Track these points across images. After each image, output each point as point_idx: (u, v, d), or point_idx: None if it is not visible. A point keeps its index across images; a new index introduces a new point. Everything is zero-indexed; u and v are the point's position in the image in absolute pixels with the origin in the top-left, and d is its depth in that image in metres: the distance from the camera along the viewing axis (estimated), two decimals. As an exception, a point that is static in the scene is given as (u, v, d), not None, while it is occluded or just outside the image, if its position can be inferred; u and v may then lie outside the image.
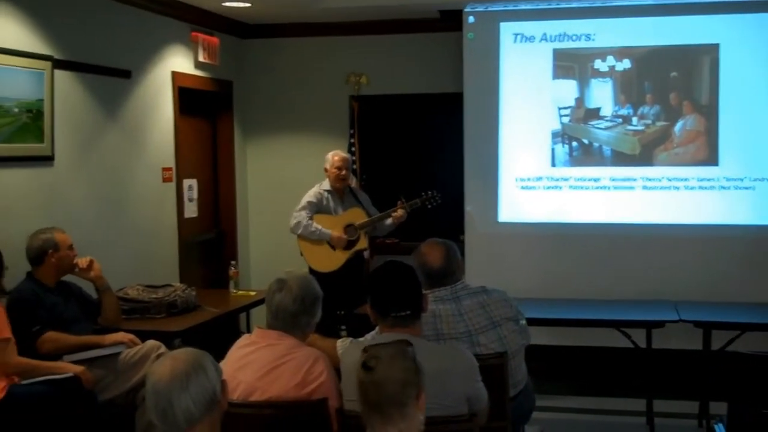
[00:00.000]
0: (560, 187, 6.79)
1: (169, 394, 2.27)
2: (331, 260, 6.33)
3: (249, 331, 6.01)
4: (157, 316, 5.27)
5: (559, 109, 6.79)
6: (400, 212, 6.32)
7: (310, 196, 6.43)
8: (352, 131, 7.57)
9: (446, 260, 3.59)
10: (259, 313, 5.79)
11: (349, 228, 6.37)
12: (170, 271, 6.66)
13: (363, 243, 6.41)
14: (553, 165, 6.82)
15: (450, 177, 7.13)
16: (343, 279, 6.25)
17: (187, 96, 7.02)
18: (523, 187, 6.85)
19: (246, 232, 8.05)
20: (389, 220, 6.39)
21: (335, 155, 6.43)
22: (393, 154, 7.78)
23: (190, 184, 7.11)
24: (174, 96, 6.75)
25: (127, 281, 5.58)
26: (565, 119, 6.80)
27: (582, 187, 6.76)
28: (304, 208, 6.37)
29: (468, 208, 6.89)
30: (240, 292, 6.18)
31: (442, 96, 7.50)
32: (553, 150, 6.82)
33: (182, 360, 2.33)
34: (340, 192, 6.47)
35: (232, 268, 6.32)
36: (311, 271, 6.30)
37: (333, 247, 6.34)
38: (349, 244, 6.36)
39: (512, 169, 6.88)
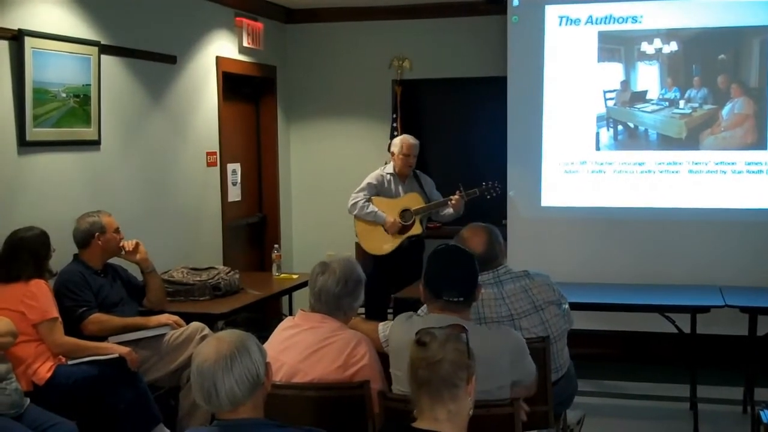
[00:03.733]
0: (604, 171, 6.69)
1: (213, 376, 2.30)
2: (384, 243, 6.39)
3: (291, 314, 6.06)
4: (201, 299, 5.31)
5: (605, 92, 6.71)
6: (457, 200, 6.32)
7: (371, 177, 6.51)
8: (394, 115, 7.57)
9: (489, 245, 3.59)
10: (301, 296, 5.87)
11: (405, 213, 6.41)
12: (214, 254, 6.69)
13: (417, 228, 6.40)
14: (598, 149, 6.73)
15: (492, 161, 7.08)
16: (398, 263, 6.31)
17: (231, 81, 7.03)
18: (566, 171, 6.77)
19: (289, 216, 8.08)
20: (448, 209, 6.40)
21: (404, 141, 6.46)
22: (435, 138, 7.70)
23: (234, 169, 7.13)
24: (218, 81, 6.76)
25: (172, 264, 5.64)
26: (611, 103, 6.70)
27: (626, 171, 6.65)
28: (362, 189, 6.45)
29: (511, 192, 6.82)
30: (282, 275, 6.21)
31: (485, 80, 7.43)
32: (597, 134, 6.74)
33: (227, 342, 2.36)
34: (404, 176, 6.51)
35: (275, 251, 6.35)
36: (364, 253, 6.47)
37: (386, 230, 6.38)
38: (403, 229, 6.39)
39: (556, 153, 6.80)
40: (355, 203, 6.40)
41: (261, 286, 5.72)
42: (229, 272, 5.56)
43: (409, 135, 6.59)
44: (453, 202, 6.34)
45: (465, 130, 7.73)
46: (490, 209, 6.61)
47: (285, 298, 6.64)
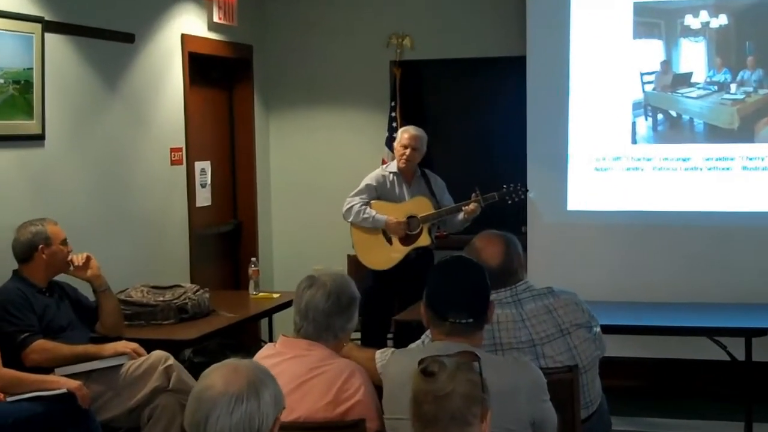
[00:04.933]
0: (642, 169, 6.72)
1: (209, 410, 2.29)
2: (386, 256, 6.41)
3: (272, 340, 6.09)
4: (165, 323, 5.31)
5: (642, 75, 6.73)
6: (472, 206, 6.30)
7: (370, 178, 6.52)
8: (393, 103, 7.53)
9: (505, 257, 3.58)
10: (283, 319, 5.81)
11: (411, 220, 6.40)
12: (180, 270, 6.67)
13: (425, 239, 6.39)
14: (634, 142, 6.75)
15: (510, 157, 7.10)
16: (402, 279, 6.32)
17: (199, 63, 7.04)
18: (597, 169, 6.80)
19: (268, 223, 8.04)
20: (460, 215, 6.39)
21: (405, 131, 6.48)
22: (441, 130, 7.59)
23: (203, 167, 7.12)
24: (184, 63, 6.74)
25: (130, 281, 5.61)
26: (649, 87, 6.73)
27: (668, 169, 6.68)
28: (360, 192, 6.46)
29: (531, 193, 6.76)
30: (261, 294, 6.21)
31: (500, 60, 7.42)
32: (633, 124, 6.75)
33: (242, 377, 2.33)
34: (408, 175, 6.51)
35: (252, 266, 6.32)
36: (362, 267, 6.50)
37: (389, 240, 6.40)
38: (408, 239, 6.40)
39: (584, 148, 6.83)
40: (351, 208, 6.40)
41: (236, 308, 5.74)
42: (198, 291, 5.57)
43: (413, 126, 6.61)
44: (468, 208, 6.31)
45: (476, 121, 7.69)
46: (507, 214, 6.64)
47: (264, 322, 6.68)
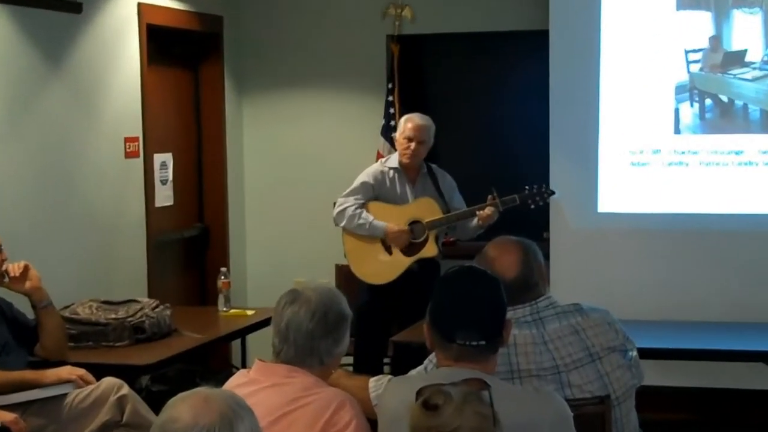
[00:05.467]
0: (686, 164, 6.70)
1: None
2: (384, 268, 6.42)
3: (245, 365, 6.08)
4: (117, 345, 5.30)
5: (687, 53, 6.70)
6: (488, 211, 6.31)
7: (366, 175, 6.53)
8: (390, 85, 7.54)
9: (524, 267, 3.57)
10: (259, 341, 5.97)
11: (415, 225, 6.43)
12: (135, 282, 6.70)
13: (431, 249, 6.43)
14: (677, 132, 6.73)
15: (529, 150, 7.13)
16: (403, 294, 6.35)
17: (159, 37, 7.07)
18: (633, 164, 6.77)
19: (241, 227, 8.07)
20: (474, 221, 6.42)
21: (408, 120, 6.48)
22: (448, 118, 7.45)
23: (164, 161, 7.17)
24: (141, 38, 6.76)
25: (77, 296, 5.62)
26: (695, 67, 6.70)
27: (717, 164, 6.66)
28: (354, 191, 6.47)
29: (556, 193, 6.71)
30: (233, 311, 6.23)
31: (518, 36, 7.44)
32: (677, 111, 6.72)
33: (213, 407, 2.32)
34: (412, 173, 6.54)
35: (222, 277, 6.34)
36: (354, 279, 6.55)
37: (388, 249, 6.43)
38: (412, 249, 6.41)
39: (618, 139, 6.81)
40: (344, 210, 6.40)
41: (202, 327, 5.76)
42: (157, 307, 5.57)
43: (417, 113, 6.59)
44: (483, 213, 6.34)
45: (489, 108, 7.72)
46: (526, 218, 6.64)
47: (236, 344, 6.69)
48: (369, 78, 7.77)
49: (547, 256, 5.97)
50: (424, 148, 6.43)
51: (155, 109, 7.01)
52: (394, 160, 6.53)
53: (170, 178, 7.24)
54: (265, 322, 5.50)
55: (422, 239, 6.39)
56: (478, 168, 7.26)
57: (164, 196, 7.18)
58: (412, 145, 6.36)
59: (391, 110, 7.42)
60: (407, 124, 6.43)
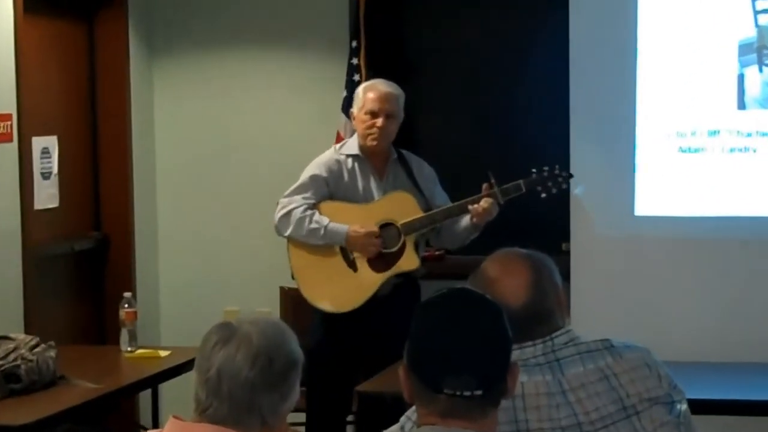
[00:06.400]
0: (754, 149, 6.79)
1: None
2: (347, 290, 6.44)
3: (156, 425, 6.07)
4: (-18, 398, 5.07)
5: (754, 1, 6.76)
6: (485, 204, 6.28)
7: (316, 166, 6.51)
8: (355, 44, 7.58)
9: (535, 291, 3.50)
10: (176, 392, 5.85)
11: (386, 230, 6.42)
12: (7, 312, 6.70)
13: (410, 259, 6.42)
14: (742, 107, 6.81)
15: (541, 132, 7.25)
16: (371, 325, 6.35)
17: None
18: (682, 150, 6.85)
19: (152, 238, 8.09)
20: (464, 220, 6.37)
21: (370, 88, 6.45)
22: (434, 90, 7.72)
23: (46, 147, 7.21)
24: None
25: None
26: (765, 19, 6.76)
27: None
28: (301, 188, 6.46)
29: (577, 190, 6.91)
30: (140, 351, 6.28)
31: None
32: (741, 78, 6.77)
33: None
34: (378, 160, 6.53)
35: (126, 305, 6.33)
36: (305, 307, 6.53)
37: (351, 264, 6.42)
38: (383, 261, 6.42)
39: (661, 117, 6.86)
40: (289, 213, 6.35)
41: (98, 373, 5.78)
42: (37, 346, 5.62)
43: (381, 79, 6.51)
44: (478, 206, 6.27)
45: (489, 77, 7.78)
46: (538, 222, 6.61)
47: (144, 396, 6.71)
48: (326, 34, 7.81)
49: (566, 276, 6.00)
50: (395, 124, 6.40)
51: (34, 75, 6.97)
52: (352, 145, 6.50)
53: (55, 170, 7.27)
54: (185, 367, 5.66)
55: (397, 247, 6.37)
56: (473, 157, 7.08)
57: (47, 195, 7.21)
58: (378, 121, 6.32)
59: (356, 77, 7.39)
60: (368, 94, 6.36)
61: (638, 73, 6.75)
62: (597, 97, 6.78)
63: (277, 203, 6.31)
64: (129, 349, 6.25)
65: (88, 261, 7.71)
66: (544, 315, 3.55)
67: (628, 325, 5.09)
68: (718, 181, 6.71)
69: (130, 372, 6.02)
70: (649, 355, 3.59)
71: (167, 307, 8.02)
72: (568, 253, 6.72)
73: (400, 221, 6.29)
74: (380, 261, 6.31)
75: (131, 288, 7.40)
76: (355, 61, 7.50)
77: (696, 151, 6.73)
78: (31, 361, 5.51)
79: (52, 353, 5.60)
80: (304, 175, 6.37)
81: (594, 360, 3.52)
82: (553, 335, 3.53)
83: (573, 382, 3.48)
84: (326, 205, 6.33)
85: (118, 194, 7.84)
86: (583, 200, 6.80)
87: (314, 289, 6.36)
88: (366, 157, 6.36)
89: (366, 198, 6.39)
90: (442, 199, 6.44)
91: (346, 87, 7.37)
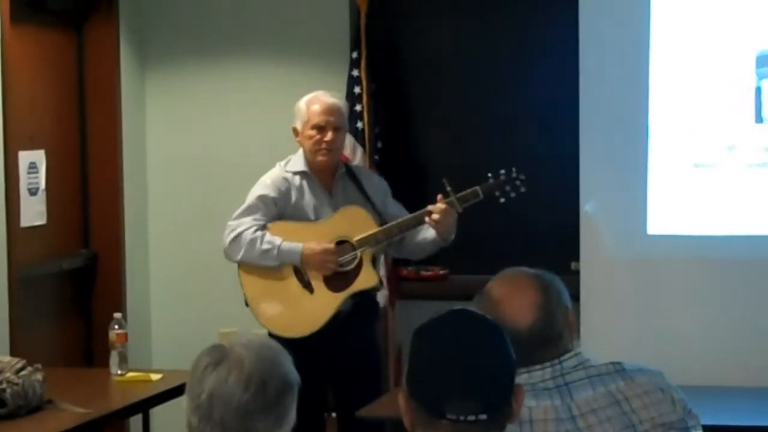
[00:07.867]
0: (775, 166, 6.40)
1: None
2: (307, 312, 6.41)
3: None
4: (-34, 423, 5.06)
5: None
6: (441, 214, 6.23)
7: (263, 186, 6.49)
8: (355, 55, 7.59)
9: (542, 313, 3.60)
10: (168, 417, 5.72)
11: (341, 247, 6.35)
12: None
13: (368, 277, 6.41)
14: (759, 120, 6.76)
15: (550, 146, 7.25)
16: (331, 350, 6.32)
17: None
18: (698, 166, 6.81)
19: (143, 256, 8.09)
20: (423, 231, 6.32)
21: (312, 101, 6.39)
22: (435, 99, 7.69)
23: (33, 161, 7.23)
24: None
25: None
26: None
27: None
28: (249, 210, 6.44)
29: (587, 207, 6.85)
30: (131, 374, 6.28)
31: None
32: (758, 91, 6.70)
33: None
34: (327, 176, 6.50)
35: (116, 327, 6.34)
36: (275, 337, 6.09)
37: (307, 285, 6.37)
38: (340, 281, 6.38)
39: (675, 131, 6.86)
40: (238, 237, 6.38)
41: (87, 397, 5.79)
42: (23, 369, 5.63)
43: (322, 91, 6.54)
44: (434, 215, 6.25)
45: (494, 85, 7.79)
46: (546, 239, 6.46)
47: (135, 421, 6.69)
48: (326, 45, 7.82)
49: (576, 297, 5.88)
50: (343, 136, 6.51)
51: (21, 86, 6.98)
52: (298, 161, 6.52)
53: (42, 185, 7.29)
54: (177, 391, 5.56)
55: (353, 265, 6.37)
56: (475, 167, 6.91)
57: (34, 212, 7.23)
58: (327, 135, 6.35)
59: (357, 90, 7.43)
60: (312, 107, 6.39)
61: (651, 85, 6.73)
62: (608, 109, 6.73)
63: (226, 227, 6.34)
64: (119, 372, 6.31)
65: (76, 280, 7.79)
66: (552, 337, 3.63)
67: (640, 348, 5.05)
68: (735, 198, 6.66)
69: (120, 396, 6.09)
70: (663, 379, 3.69)
71: (159, 329, 8.05)
72: (577, 272, 6.66)
73: (355, 237, 6.34)
74: (337, 280, 6.39)
75: (121, 308, 7.50)
76: (355, 72, 7.59)
77: (711, 167, 6.63)
78: (17, 384, 5.57)
79: (39, 376, 5.65)
80: (251, 196, 6.47)
81: (605, 384, 3.62)
82: (562, 358, 3.62)
83: (583, 407, 3.57)
84: (276, 226, 6.41)
85: (108, 211, 7.89)
86: (593, 217, 6.70)
87: (272, 317, 6.45)
88: (314, 173, 6.48)
89: (317, 216, 6.50)
90: (395, 210, 6.54)
91: (347, 96, 7.32)
